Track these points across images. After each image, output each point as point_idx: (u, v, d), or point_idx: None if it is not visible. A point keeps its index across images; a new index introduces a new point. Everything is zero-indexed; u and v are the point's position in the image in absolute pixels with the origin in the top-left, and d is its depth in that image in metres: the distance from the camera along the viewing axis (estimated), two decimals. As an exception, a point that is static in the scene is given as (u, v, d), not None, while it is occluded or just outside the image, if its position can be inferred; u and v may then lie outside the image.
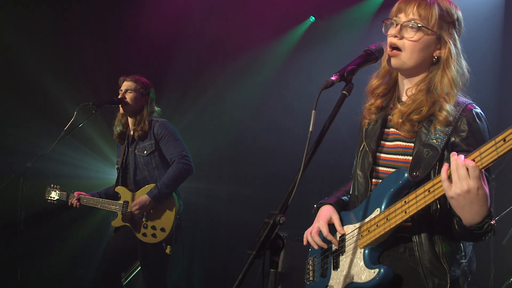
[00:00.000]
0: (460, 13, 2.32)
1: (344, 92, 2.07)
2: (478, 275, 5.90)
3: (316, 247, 2.46)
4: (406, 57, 2.26)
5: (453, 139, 2.17)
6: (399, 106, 2.33)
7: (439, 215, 2.16)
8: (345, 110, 2.22)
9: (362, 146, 2.48)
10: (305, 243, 2.53)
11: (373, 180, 2.40)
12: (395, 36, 2.26)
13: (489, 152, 1.78)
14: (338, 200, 2.56)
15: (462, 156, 1.86)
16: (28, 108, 6.37)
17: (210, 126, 7.74)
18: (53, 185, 5.32)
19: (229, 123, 7.82)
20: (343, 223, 2.42)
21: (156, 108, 5.12)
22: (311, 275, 2.59)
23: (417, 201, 2.04)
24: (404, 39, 2.25)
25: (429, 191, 1.99)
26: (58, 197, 5.27)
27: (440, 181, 1.94)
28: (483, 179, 1.86)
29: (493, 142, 1.76)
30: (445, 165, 1.91)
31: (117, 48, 6.92)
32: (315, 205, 2.59)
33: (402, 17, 2.27)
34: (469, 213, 1.91)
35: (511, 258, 5.89)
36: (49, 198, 5.32)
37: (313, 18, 7.93)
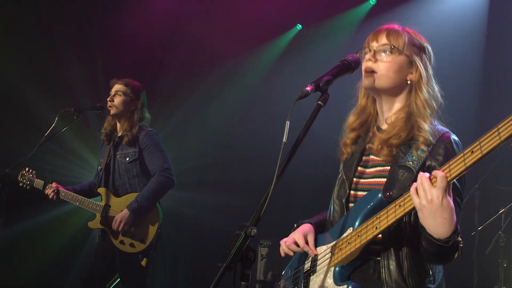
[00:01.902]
0: (429, 46, 2.42)
1: (319, 102, 2.06)
2: (461, 285, 5.92)
3: (291, 253, 2.42)
4: (381, 78, 2.30)
5: (429, 162, 2.18)
6: (379, 134, 2.36)
7: (408, 236, 2.15)
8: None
9: (340, 175, 2.49)
10: (282, 254, 2.49)
11: (350, 205, 2.39)
12: (370, 60, 2.31)
13: (457, 164, 1.83)
14: (318, 222, 2.55)
15: (427, 174, 1.91)
16: (8, 113, 6.31)
17: (194, 132, 7.71)
18: (27, 169, 5.13)
19: (214, 129, 7.79)
20: (317, 244, 2.39)
21: (147, 115, 5.04)
22: None
23: (388, 215, 2.03)
24: (378, 61, 2.30)
25: (399, 206, 2.00)
26: (33, 183, 5.05)
27: (410, 195, 1.95)
28: (449, 193, 1.89)
29: (461, 155, 1.81)
30: (415, 183, 1.95)
31: (100, 53, 6.89)
32: (295, 224, 2.56)
33: (375, 45, 2.34)
34: (433, 226, 1.92)
35: (494, 268, 5.91)
36: (21, 182, 5.11)
37: (300, 26, 7.97)
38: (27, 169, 5.15)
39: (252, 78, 7.77)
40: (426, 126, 2.23)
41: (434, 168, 2.13)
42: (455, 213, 1.91)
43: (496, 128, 1.70)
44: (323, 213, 2.66)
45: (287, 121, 1.93)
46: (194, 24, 7.56)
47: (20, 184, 5.13)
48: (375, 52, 2.32)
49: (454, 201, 1.98)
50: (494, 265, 5.90)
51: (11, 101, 6.40)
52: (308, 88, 2.03)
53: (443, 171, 1.86)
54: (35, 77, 6.46)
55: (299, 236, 2.40)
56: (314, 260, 2.36)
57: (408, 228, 2.15)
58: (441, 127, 2.29)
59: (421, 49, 2.37)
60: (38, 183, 5.05)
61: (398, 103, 2.36)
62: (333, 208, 2.47)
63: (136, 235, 4.64)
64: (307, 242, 2.39)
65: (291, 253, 2.43)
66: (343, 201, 2.39)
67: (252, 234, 1.79)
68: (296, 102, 1.99)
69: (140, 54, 7.15)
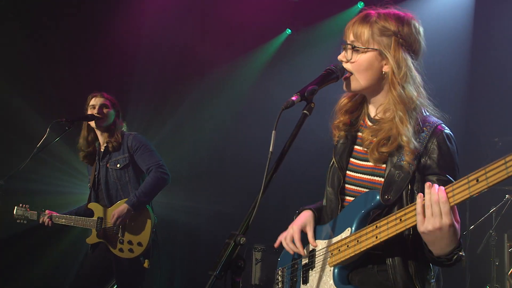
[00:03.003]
0: (408, 24, 2.24)
1: (305, 111, 2.08)
2: (454, 284, 5.96)
3: (291, 252, 2.43)
4: (355, 79, 2.27)
5: (423, 160, 2.17)
6: (370, 124, 2.34)
7: (411, 239, 2.17)
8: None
9: (332, 162, 2.47)
10: (276, 245, 2.50)
11: (344, 197, 2.39)
12: (342, 61, 2.29)
13: (461, 190, 1.80)
14: (320, 207, 2.54)
15: (436, 187, 1.87)
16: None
17: (187, 139, 7.72)
18: (21, 205, 5.23)
19: (207, 137, 7.81)
20: (315, 237, 2.40)
21: (124, 123, 5.13)
22: (280, 286, 2.59)
23: (388, 227, 2.04)
24: (349, 62, 2.27)
25: (400, 220, 2.00)
26: (28, 217, 5.17)
27: (412, 210, 1.96)
28: (455, 214, 1.89)
29: (466, 181, 1.78)
30: (420, 197, 1.91)
31: (89, 62, 6.89)
32: (296, 211, 2.56)
33: (347, 41, 2.29)
34: (439, 247, 1.95)
35: (486, 266, 5.97)
36: (18, 217, 5.22)
37: (289, 30, 8.01)
38: (20, 204, 5.25)
39: (242, 84, 7.80)
40: (406, 132, 2.14)
41: (430, 167, 2.14)
42: (459, 235, 1.92)
43: (504, 161, 1.67)
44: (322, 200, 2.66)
45: (273, 131, 1.94)
46: (184, 31, 7.58)
47: (18, 221, 5.24)
48: (346, 51, 2.27)
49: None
50: (486, 264, 5.96)
51: (1, 113, 6.40)
52: (293, 98, 2.04)
53: (447, 192, 1.84)
54: (25, 88, 6.47)
55: (296, 230, 2.40)
56: (312, 254, 2.38)
57: (411, 231, 2.15)
58: (433, 119, 2.24)
59: (391, 36, 2.20)
60: (32, 214, 5.17)
61: (382, 97, 2.29)
62: (327, 195, 2.47)
63: (132, 240, 4.71)
64: (302, 240, 2.39)
65: (292, 252, 2.42)
66: (337, 192, 2.39)
67: (241, 242, 1.82)
68: (282, 112, 2.01)
69: (129, 62, 7.18)
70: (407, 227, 1.98)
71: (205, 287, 1.77)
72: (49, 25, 6.75)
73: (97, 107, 4.91)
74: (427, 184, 1.90)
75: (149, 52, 7.39)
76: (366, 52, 2.22)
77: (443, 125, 2.23)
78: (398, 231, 2.01)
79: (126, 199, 4.75)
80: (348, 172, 2.39)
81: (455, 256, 1.95)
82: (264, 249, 6.17)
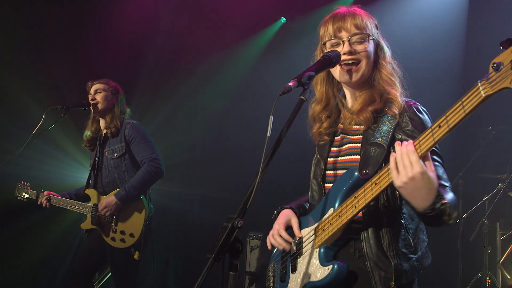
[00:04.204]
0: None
1: (302, 97, 2.11)
2: (447, 271, 6.03)
3: (281, 247, 2.47)
4: (363, 67, 2.37)
5: (398, 136, 2.26)
6: (350, 111, 2.44)
7: (386, 210, 2.23)
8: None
9: (315, 156, 2.59)
10: (269, 247, 2.56)
11: (326, 185, 2.48)
12: (350, 53, 2.35)
13: (426, 139, 1.88)
14: (298, 206, 2.62)
15: (405, 143, 1.95)
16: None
17: (182, 126, 7.72)
18: (23, 182, 5.28)
19: (202, 123, 7.81)
20: (301, 227, 2.46)
21: (127, 109, 5.10)
22: (271, 281, 2.62)
23: (365, 194, 2.10)
24: (357, 52, 2.36)
25: (375, 184, 2.06)
26: (28, 195, 5.23)
27: (385, 172, 2.03)
28: (429, 164, 1.95)
29: (429, 130, 1.87)
30: (393, 154, 1.99)
31: (85, 50, 6.87)
32: (275, 211, 2.63)
33: (344, 34, 2.38)
34: (419, 199, 1.98)
35: (478, 254, 6.02)
36: (19, 195, 5.28)
37: (284, 19, 8.00)
38: (22, 182, 5.31)
39: (237, 72, 7.79)
40: (396, 91, 2.35)
41: (404, 141, 2.19)
42: (436, 182, 1.95)
43: (460, 102, 1.76)
44: (302, 198, 2.73)
45: (270, 116, 1.98)
46: (178, 19, 7.55)
47: (18, 198, 5.30)
48: (350, 43, 2.36)
49: (434, 161, 2.08)
50: (478, 251, 6.02)
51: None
52: (290, 84, 2.07)
53: (414, 145, 1.92)
54: (21, 75, 6.44)
55: (281, 225, 2.47)
56: (300, 242, 2.42)
57: (386, 201, 2.23)
58: (404, 98, 2.38)
59: (377, 27, 2.47)
60: (32, 193, 5.22)
61: (365, 81, 2.43)
62: (311, 189, 2.56)
63: (125, 231, 4.70)
64: (289, 234, 2.45)
65: (281, 247, 2.47)
66: (319, 180, 2.48)
67: (239, 226, 1.85)
68: (279, 97, 2.03)
69: (124, 50, 7.13)
70: (382, 188, 2.03)
71: (202, 271, 1.79)
72: (45, 12, 6.69)
73: (92, 93, 4.92)
74: (396, 142, 2.00)
75: (143, 41, 7.37)
76: (371, 41, 2.39)
77: (413, 100, 2.37)
78: (374, 195, 2.06)
79: (120, 189, 4.76)
80: (329, 159, 2.49)
81: (437, 205, 1.97)
82: (262, 237, 6.19)
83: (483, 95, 1.70)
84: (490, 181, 6.07)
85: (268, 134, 1.95)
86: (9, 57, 6.39)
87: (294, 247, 2.45)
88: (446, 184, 2.16)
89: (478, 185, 6.23)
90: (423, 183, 1.92)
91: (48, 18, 6.71)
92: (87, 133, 5.04)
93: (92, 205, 4.86)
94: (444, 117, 1.81)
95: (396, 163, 1.96)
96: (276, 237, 2.47)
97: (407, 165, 1.92)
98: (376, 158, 2.20)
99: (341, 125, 2.51)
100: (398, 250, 2.20)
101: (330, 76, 2.54)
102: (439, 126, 1.83)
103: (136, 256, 4.66)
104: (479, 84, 1.71)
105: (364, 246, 2.22)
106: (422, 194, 1.95)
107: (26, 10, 6.63)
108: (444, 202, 1.98)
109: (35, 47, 6.65)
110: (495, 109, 5.77)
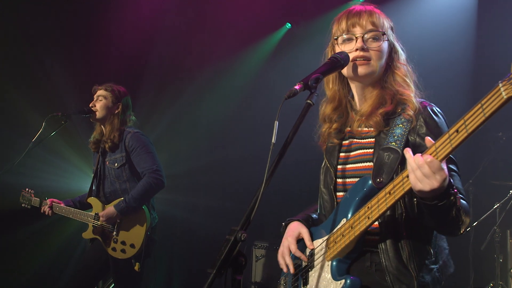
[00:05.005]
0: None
1: (308, 101, 2.00)
2: (458, 281, 5.89)
3: (285, 270, 2.38)
4: (375, 65, 2.26)
5: (412, 138, 2.15)
6: (359, 113, 2.33)
7: (405, 220, 2.11)
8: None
9: (324, 163, 2.47)
10: (282, 267, 2.44)
11: (338, 194, 2.36)
12: (363, 49, 2.25)
13: (444, 145, 1.75)
14: (307, 217, 2.50)
15: (419, 155, 1.81)
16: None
17: (186, 133, 7.64)
18: (27, 190, 5.24)
19: (207, 130, 7.74)
20: (313, 238, 2.35)
21: (132, 118, 5.01)
22: None
23: (379, 204, 1.98)
24: (370, 50, 2.26)
25: (389, 193, 1.94)
26: (31, 203, 5.18)
27: (400, 181, 1.90)
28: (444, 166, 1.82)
29: (447, 135, 1.73)
30: (408, 150, 1.87)
31: (86, 57, 6.82)
32: (283, 223, 2.52)
33: (358, 30, 2.28)
34: (432, 196, 1.86)
35: (490, 263, 5.89)
36: (23, 203, 5.23)
37: (290, 24, 7.94)
38: (27, 189, 5.27)
39: (242, 78, 7.72)
40: (410, 92, 2.25)
41: (419, 145, 2.12)
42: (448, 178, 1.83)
43: (480, 105, 1.62)
44: (309, 207, 2.62)
45: (275, 121, 1.88)
46: (183, 25, 7.49)
47: (22, 205, 5.25)
48: (363, 39, 2.26)
49: (451, 171, 1.97)
50: (490, 260, 5.88)
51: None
52: (296, 87, 1.96)
53: (430, 154, 1.79)
54: (21, 82, 6.40)
55: (291, 241, 2.37)
56: (311, 254, 2.32)
57: (403, 211, 2.11)
58: (417, 99, 2.27)
59: (392, 28, 2.37)
60: (35, 201, 5.17)
61: (376, 83, 2.33)
62: (322, 198, 2.44)
63: (126, 241, 4.61)
64: (299, 247, 2.35)
65: (286, 269, 2.36)
66: (331, 188, 2.36)
67: (242, 238, 1.73)
68: (285, 101, 1.93)
69: (126, 56, 7.07)
70: (396, 198, 1.91)
71: (204, 286, 1.68)
72: (46, 19, 6.64)
73: (95, 99, 4.84)
74: (406, 149, 1.87)
75: (146, 47, 7.30)
76: (386, 40, 2.30)
77: (427, 101, 2.27)
78: (388, 205, 1.94)
79: (121, 199, 4.68)
80: (338, 166, 2.38)
81: (447, 194, 1.85)
82: (267, 246, 6.08)
83: (505, 97, 1.55)
84: (501, 188, 5.94)
85: (273, 140, 1.85)
86: (8, 62, 6.34)
87: (306, 260, 2.33)
88: (461, 196, 2.04)
89: (488, 192, 6.10)
90: (444, 185, 1.81)
91: (48, 24, 6.66)
92: (94, 134, 4.98)
93: (94, 214, 4.78)
94: (462, 121, 1.68)
95: (412, 169, 1.82)
96: (286, 257, 2.36)
97: (428, 174, 1.78)
98: (390, 165, 2.09)
99: (348, 128, 2.39)
100: (419, 261, 2.09)
101: (341, 75, 2.43)
102: (457, 131, 1.69)
103: (136, 268, 4.58)
104: (500, 85, 1.57)
105: (383, 259, 2.11)
106: (437, 193, 1.83)
107: (26, 17, 6.58)
108: (455, 192, 1.87)
109: (35, 53, 6.59)
110: (505, 114, 5.65)
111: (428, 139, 1.82)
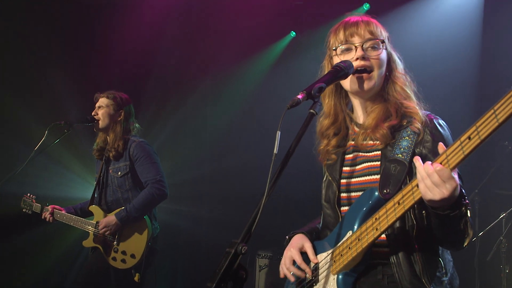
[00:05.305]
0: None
1: (311, 111, 1.97)
2: (463, 292, 5.81)
3: (292, 279, 2.31)
4: (376, 76, 2.24)
5: (418, 150, 2.13)
6: (362, 127, 2.30)
7: (416, 233, 2.07)
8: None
9: (325, 177, 2.43)
10: (281, 276, 2.40)
11: (342, 208, 2.31)
12: (363, 58, 2.22)
13: (455, 153, 1.70)
14: (311, 229, 2.47)
15: (428, 163, 1.77)
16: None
17: (190, 142, 7.61)
18: (29, 195, 5.22)
19: (210, 139, 7.70)
20: (316, 252, 2.30)
21: (136, 125, 4.98)
22: None
23: (387, 215, 1.94)
24: (370, 58, 2.23)
25: (398, 203, 1.90)
26: (32, 209, 5.14)
27: (409, 191, 1.86)
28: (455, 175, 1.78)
29: (458, 142, 1.68)
30: (418, 159, 1.83)
31: (89, 64, 6.79)
32: (286, 236, 2.47)
33: (357, 40, 2.26)
34: (442, 206, 1.83)
35: (496, 274, 5.81)
36: (24, 208, 5.20)
37: (294, 33, 7.92)
38: (28, 194, 5.25)
39: (246, 87, 7.70)
40: (414, 104, 2.23)
41: (425, 156, 2.10)
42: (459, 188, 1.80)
43: (492, 110, 1.58)
44: (314, 220, 2.58)
45: (277, 131, 1.84)
46: (187, 34, 7.49)
47: (23, 210, 5.23)
48: (363, 49, 2.24)
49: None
50: (496, 271, 5.80)
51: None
52: (299, 96, 1.94)
53: (440, 162, 1.74)
54: (23, 91, 6.39)
55: (295, 252, 2.32)
56: (316, 268, 2.27)
57: (414, 223, 2.08)
58: (423, 111, 2.25)
59: (389, 39, 2.35)
60: (37, 207, 5.14)
61: (377, 95, 2.31)
62: (324, 213, 2.39)
63: (126, 251, 4.57)
64: (303, 256, 2.30)
65: (292, 279, 2.32)
66: (334, 204, 2.32)
67: (243, 251, 1.69)
68: (288, 111, 1.90)
69: (130, 64, 7.07)
70: (406, 208, 1.87)
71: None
72: (47, 28, 6.64)
73: (97, 107, 4.82)
74: (416, 157, 1.84)
75: (150, 55, 7.29)
76: (385, 49, 2.28)
77: (433, 114, 2.26)
78: (397, 215, 1.90)
79: (122, 208, 4.64)
80: (342, 180, 2.34)
81: (459, 205, 1.82)
82: (271, 256, 6.02)
83: None
84: (507, 197, 5.87)
85: (275, 151, 1.81)
86: (10, 70, 6.36)
87: (310, 274, 2.28)
88: None
89: (494, 202, 6.04)
90: (454, 194, 1.78)
91: (51, 32, 6.66)
92: (98, 141, 4.95)
93: (95, 222, 4.74)
94: (474, 127, 1.63)
95: (422, 178, 1.79)
96: (289, 267, 2.31)
97: (438, 183, 1.74)
98: (397, 176, 2.05)
99: (352, 142, 2.36)
100: (431, 274, 2.06)
101: (338, 88, 2.40)
102: (469, 138, 1.64)
103: (136, 278, 4.53)
104: None
105: (396, 273, 2.07)
106: (449, 202, 1.80)
107: (27, 26, 6.58)
108: (466, 203, 1.85)
109: (37, 61, 6.59)
110: (511, 123, 5.60)
111: (441, 145, 1.78)
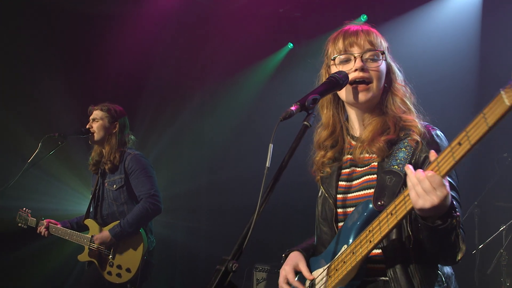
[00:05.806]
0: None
1: (305, 123, 1.92)
2: (464, 306, 5.73)
3: None
4: (375, 88, 2.19)
5: (414, 161, 2.08)
6: (360, 140, 2.24)
7: (413, 244, 2.01)
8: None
9: (321, 193, 2.37)
10: None
11: (339, 224, 2.25)
12: (362, 69, 2.17)
13: (446, 159, 1.67)
14: (307, 246, 2.41)
15: (420, 170, 1.73)
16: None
17: (186, 154, 7.58)
18: (24, 209, 5.18)
19: (206, 151, 7.66)
20: (312, 269, 2.25)
21: (131, 137, 4.93)
22: None
23: (380, 226, 1.88)
24: (370, 70, 2.18)
25: (391, 214, 1.85)
26: (28, 223, 5.09)
27: (401, 201, 1.81)
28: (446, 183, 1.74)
29: (448, 149, 1.65)
30: (409, 167, 1.80)
31: (83, 75, 6.77)
32: (283, 255, 2.42)
33: (356, 50, 2.21)
34: (434, 216, 1.79)
35: (496, 287, 5.74)
36: (19, 222, 5.15)
37: (291, 44, 7.92)
38: (24, 209, 5.21)
39: (243, 98, 7.68)
40: (413, 116, 2.18)
41: (421, 166, 2.05)
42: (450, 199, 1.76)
43: (482, 114, 1.54)
44: (311, 237, 2.52)
45: (270, 144, 1.79)
46: (186, 45, 7.47)
47: (19, 224, 5.18)
48: (362, 60, 2.19)
49: (451, 197, 1.84)
50: (496, 284, 5.74)
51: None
52: (293, 108, 1.89)
53: (431, 169, 1.70)
54: (17, 103, 6.36)
55: (289, 271, 2.28)
56: (312, 285, 2.21)
57: (410, 234, 2.02)
58: (422, 122, 2.20)
59: (388, 49, 2.30)
60: (32, 221, 5.10)
61: (375, 107, 2.26)
62: (320, 230, 2.33)
63: (122, 265, 4.51)
64: (299, 278, 2.25)
65: None
66: (332, 221, 2.26)
67: (233, 269, 1.64)
68: (281, 123, 1.85)
69: (126, 76, 7.04)
70: (398, 219, 1.81)
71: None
72: (41, 40, 6.62)
73: (91, 120, 4.78)
74: (407, 165, 1.81)
75: (146, 66, 7.26)
76: (383, 60, 2.23)
77: (431, 125, 2.22)
78: (390, 227, 1.84)
79: (116, 223, 4.59)
80: (338, 195, 2.28)
81: (448, 218, 1.78)
82: (269, 269, 5.96)
83: (508, 104, 1.47)
84: (507, 209, 5.82)
85: (268, 164, 1.75)
86: (4, 82, 6.31)
87: None
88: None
89: (494, 214, 5.98)
90: (445, 205, 1.73)
91: (46, 45, 6.63)
92: (93, 155, 4.90)
93: (90, 236, 4.68)
94: (464, 133, 1.59)
95: (413, 184, 1.74)
96: (283, 286, 2.27)
97: (428, 189, 1.70)
98: (393, 188, 2.00)
99: (350, 156, 2.29)
100: (431, 286, 2.00)
101: (336, 98, 2.35)
102: (459, 144, 1.61)
103: None
104: (502, 93, 1.49)
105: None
106: (440, 212, 1.76)
107: (22, 39, 6.56)
108: (457, 215, 1.80)
109: (31, 72, 6.56)
110: (511, 134, 5.56)
111: (433, 152, 1.74)
